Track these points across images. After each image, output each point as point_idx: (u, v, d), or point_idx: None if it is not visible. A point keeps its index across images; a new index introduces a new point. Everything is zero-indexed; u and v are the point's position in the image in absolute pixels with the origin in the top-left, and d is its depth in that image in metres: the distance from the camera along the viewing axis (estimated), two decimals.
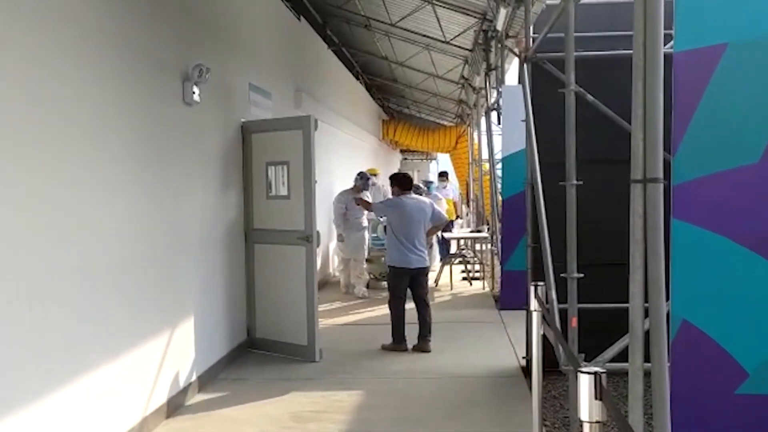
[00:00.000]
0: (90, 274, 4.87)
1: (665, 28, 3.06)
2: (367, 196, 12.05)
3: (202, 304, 7.00)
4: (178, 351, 6.39)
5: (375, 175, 14.65)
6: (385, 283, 10.83)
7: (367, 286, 12.52)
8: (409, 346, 8.38)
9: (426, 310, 8.49)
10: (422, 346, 8.29)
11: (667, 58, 3.11)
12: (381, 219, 11.65)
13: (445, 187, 18.65)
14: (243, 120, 8.27)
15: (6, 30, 4.02)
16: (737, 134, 3.25)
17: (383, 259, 11.51)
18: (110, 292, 5.16)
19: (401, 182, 8.77)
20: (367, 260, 12.69)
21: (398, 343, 8.41)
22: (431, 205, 8.88)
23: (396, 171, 24.38)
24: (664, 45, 3.11)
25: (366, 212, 12.01)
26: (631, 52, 3.14)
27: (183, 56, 6.56)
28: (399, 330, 8.44)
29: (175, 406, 6.27)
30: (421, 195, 10.16)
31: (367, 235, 12.64)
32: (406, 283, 8.50)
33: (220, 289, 7.50)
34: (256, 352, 8.28)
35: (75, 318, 4.69)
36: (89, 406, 4.85)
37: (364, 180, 12.26)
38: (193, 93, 6.62)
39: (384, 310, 9.19)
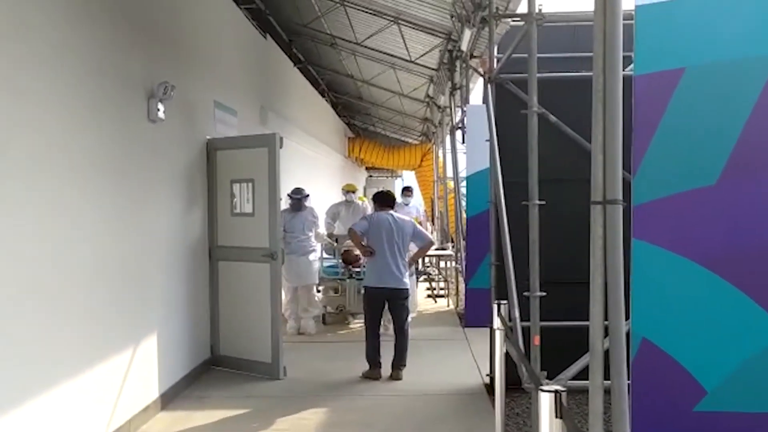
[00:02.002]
0: (48, 291, 4.81)
1: (625, 51, 3.12)
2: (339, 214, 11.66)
3: (166, 321, 6.95)
4: (140, 368, 6.33)
5: (353, 191, 13.36)
6: (347, 316, 10.67)
7: (324, 321, 11.07)
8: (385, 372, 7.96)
9: (402, 338, 8.06)
10: (395, 375, 7.91)
11: (627, 80, 3.17)
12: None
13: (407, 204, 16.51)
14: (208, 137, 8.25)
15: None
16: (695, 156, 3.32)
17: (338, 290, 11.09)
18: (70, 310, 5.11)
19: (381, 200, 8.44)
20: (318, 289, 11.10)
21: (372, 368, 7.96)
22: (412, 223, 8.33)
23: (362, 189, 24.46)
24: (624, 67, 3.17)
25: (313, 233, 10.38)
26: (592, 73, 3.20)
27: (148, 73, 6.54)
28: (372, 356, 7.99)
29: (137, 424, 6.21)
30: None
31: (315, 258, 10.55)
32: (381, 306, 8.11)
33: (183, 305, 7.46)
34: (219, 369, 8.22)
35: (33, 334, 4.64)
36: (47, 425, 4.79)
37: (295, 199, 10.27)
38: (158, 110, 6.60)
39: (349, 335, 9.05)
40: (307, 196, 10.39)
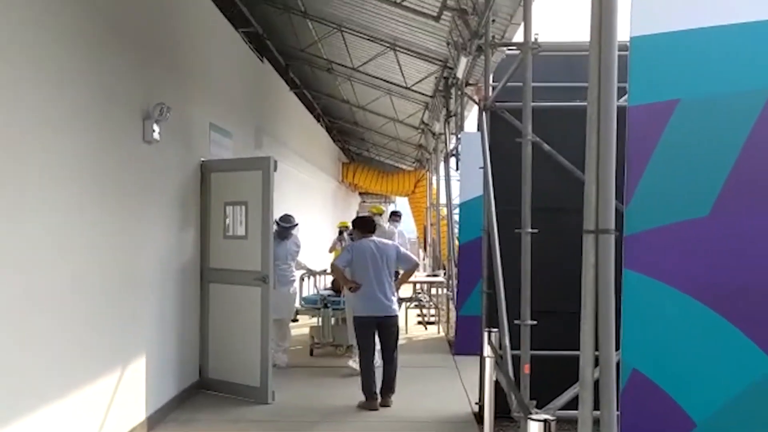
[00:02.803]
0: (38, 308, 4.80)
1: (620, 81, 3.13)
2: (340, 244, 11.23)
3: (155, 342, 6.91)
4: (128, 389, 6.29)
5: (380, 214, 13.08)
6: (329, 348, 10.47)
7: (311, 353, 10.73)
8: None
9: (391, 365, 7.95)
10: (384, 402, 7.81)
11: (621, 111, 3.18)
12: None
13: (395, 228, 15.54)
14: (203, 159, 8.26)
15: None
16: (688, 187, 3.32)
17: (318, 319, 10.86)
18: (58, 327, 5.09)
19: (361, 225, 8.33)
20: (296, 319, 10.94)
21: (369, 400, 7.76)
22: (395, 247, 8.22)
23: (355, 214, 24.46)
24: (619, 98, 3.19)
25: (294, 263, 10.15)
26: (587, 103, 3.21)
27: (144, 95, 6.55)
28: (368, 386, 7.80)
29: None
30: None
31: (294, 290, 10.29)
32: (372, 335, 7.94)
33: (173, 327, 7.42)
34: (207, 392, 8.17)
35: (18, 353, 4.62)
36: None
37: (283, 227, 9.97)
38: (153, 131, 6.61)
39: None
40: (296, 225, 10.17)
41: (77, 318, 5.34)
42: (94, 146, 5.58)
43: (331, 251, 15.44)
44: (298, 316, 12.52)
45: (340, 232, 15.50)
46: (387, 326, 7.94)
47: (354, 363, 9.05)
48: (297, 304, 10.80)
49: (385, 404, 7.81)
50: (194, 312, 8.13)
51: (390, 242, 8.40)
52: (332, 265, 8.32)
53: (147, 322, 6.75)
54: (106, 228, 5.80)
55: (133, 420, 6.43)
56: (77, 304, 5.33)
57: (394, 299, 8.05)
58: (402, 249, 8.40)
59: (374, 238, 8.20)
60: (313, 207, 18.40)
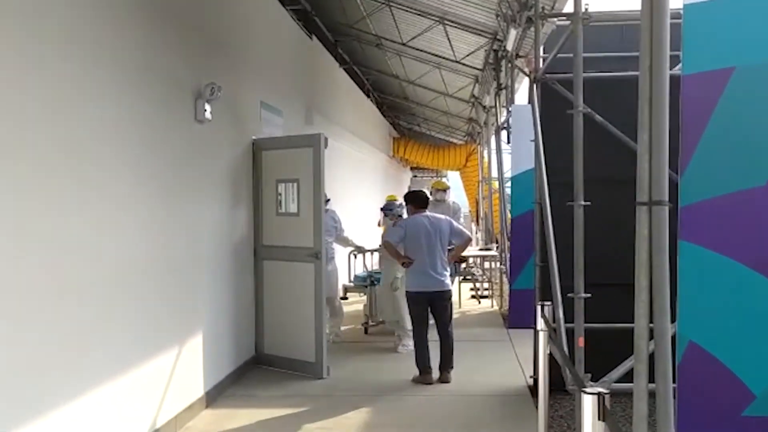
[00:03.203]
0: (97, 288, 4.90)
1: (673, 50, 3.07)
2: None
3: (212, 319, 7.03)
4: (186, 366, 6.41)
5: (443, 189, 12.61)
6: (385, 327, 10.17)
7: (366, 332, 10.58)
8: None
9: (447, 340, 7.91)
10: (443, 378, 7.80)
11: (675, 80, 3.12)
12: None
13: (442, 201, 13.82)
14: (254, 137, 8.32)
15: (36, 50, 4.08)
16: (744, 157, 3.26)
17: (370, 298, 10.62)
18: (119, 307, 5.19)
19: (414, 200, 8.28)
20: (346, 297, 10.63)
21: (423, 374, 7.78)
22: (449, 222, 8.15)
23: (407, 189, 24.42)
24: (672, 67, 3.13)
25: (333, 238, 9.95)
26: (638, 73, 3.16)
27: (195, 75, 6.62)
28: (422, 360, 7.82)
29: (182, 422, 6.28)
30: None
31: (334, 267, 10.08)
32: (425, 309, 7.94)
33: (229, 304, 7.53)
34: (263, 368, 8.28)
35: (81, 331, 4.73)
36: (97, 420, 4.87)
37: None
38: (205, 111, 6.67)
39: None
40: (328, 200, 9.52)
41: (134, 297, 5.44)
42: (147, 127, 5.66)
43: (379, 225, 15.38)
44: (348, 294, 12.60)
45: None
46: (440, 301, 7.93)
47: (403, 348, 9.15)
48: (346, 282, 10.72)
49: (445, 380, 7.79)
50: (249, 289, 8.23)
51: (443, 217, 8.32)
52: (384, 241, 8.34)
53: (203, 299, 6.85)
54: (159, 208, 5.89)
55: (192, 395, 6.55)
56: (134, 284, 5.43)
57: (447, 274, 8.02)
58: (455, 223, 8.33)
59: (427, 213, 8.15)
60: (364, 183, 18.44)
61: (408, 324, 8.74)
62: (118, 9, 5.23)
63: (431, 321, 8.04)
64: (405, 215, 8.72)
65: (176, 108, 6.25)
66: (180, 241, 6.29)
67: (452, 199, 13.77)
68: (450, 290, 8.12)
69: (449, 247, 8.30)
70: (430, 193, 11.64)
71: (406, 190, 26.56)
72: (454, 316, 8.38)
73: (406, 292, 8.12)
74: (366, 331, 10.63)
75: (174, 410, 6.14)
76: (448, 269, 8.10)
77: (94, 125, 4.85)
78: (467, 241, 8.47)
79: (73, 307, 4.58)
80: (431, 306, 7.95)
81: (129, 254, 5.34)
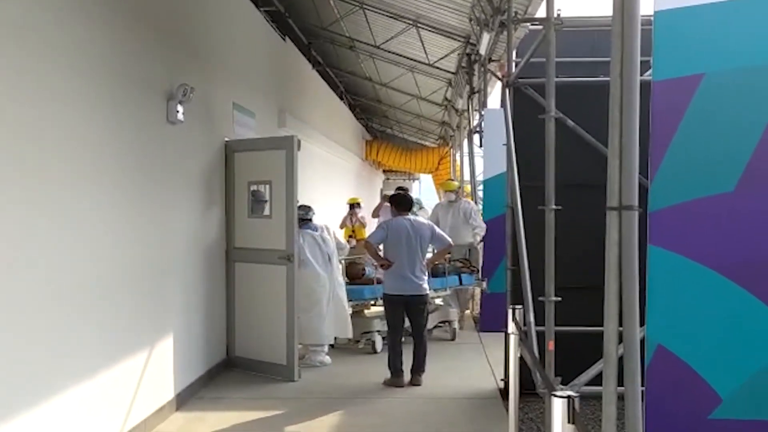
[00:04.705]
0: (66, 290, 4.85)
1: (644, 56, 3.11)
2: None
3: (183, 321, 6.98)
4: (156, 368, 6.36)
5: (453, 191, 11.82)
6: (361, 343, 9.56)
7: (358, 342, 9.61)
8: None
9: (421, 344, 7.91)
10: (414, 381, 7.79)
11: (646, 85, 3.16)
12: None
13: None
14: (226, 139, 8.28)
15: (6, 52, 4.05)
16: (713, 162, 3.30)
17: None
18: (88, 308, 5.14)
19: (398, 202, 8.22)
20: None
21: (395, 377, 7.77)
22: (431, 226, 8.13)
23: (379, 192, 24.41)
24: (642, 73, 3.16)
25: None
26: (609, 78, 3.19)
27: (167, 76, 6.58)
28: (394, 364, 7.80)
29: (152, 424, 6.23)
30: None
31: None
32: (401, 313, 7.90)
33: (200, 306, 7.49)
34: (235, 370, 8.24)
35: (50, 333, 4.68)
36: (66, 423, 4.82)
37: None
38: (177, 112, 6.63)
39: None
40: (312, 214, 8.96)
41: (104, 299, 5.39)
42: (118, 128, 5.62)
43: (341, 227, 15.43)
44: None
45: (351, 207, 15.82)
46: (417, 305, 7.91)
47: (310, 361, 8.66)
48: None
49: (416, 383, 7.78)
50: (220, 291, 8.19)
51: (425, 221, 8.31)
52: (365, 241, 8.30)
53: (174, 301, 6.81)
54: (131, 209, 5.84)
55: (162, 398, 6.51)
56: (105, 286, 5.38)
57: (425, 278, 7.99)
58: (437, 229, 8.26)
59: (410, 216, 8.09)
60: (337, 185, 18.42)
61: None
62: (89, 10, 5.18)
63: (406, 324, 8.01)
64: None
65: (148, 109, 6.21)
66: (151, 242, 6.24)
67: (463, 198, 13.18)
68: (427, 295, 8.09)
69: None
70: (441, 196, 11.40)
71: (378, 193, 26.63)
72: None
73: (383, 294, 8.11)
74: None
75: (144, 413, 6.10)
76: (425, 275, 8.04)
77: (63, 126, 4.80)
78: (448, 247, 8.37)
79: (41, 310, 4.53)
80: (407, 310, 7.92)
81: (99, 256, 5.29)
